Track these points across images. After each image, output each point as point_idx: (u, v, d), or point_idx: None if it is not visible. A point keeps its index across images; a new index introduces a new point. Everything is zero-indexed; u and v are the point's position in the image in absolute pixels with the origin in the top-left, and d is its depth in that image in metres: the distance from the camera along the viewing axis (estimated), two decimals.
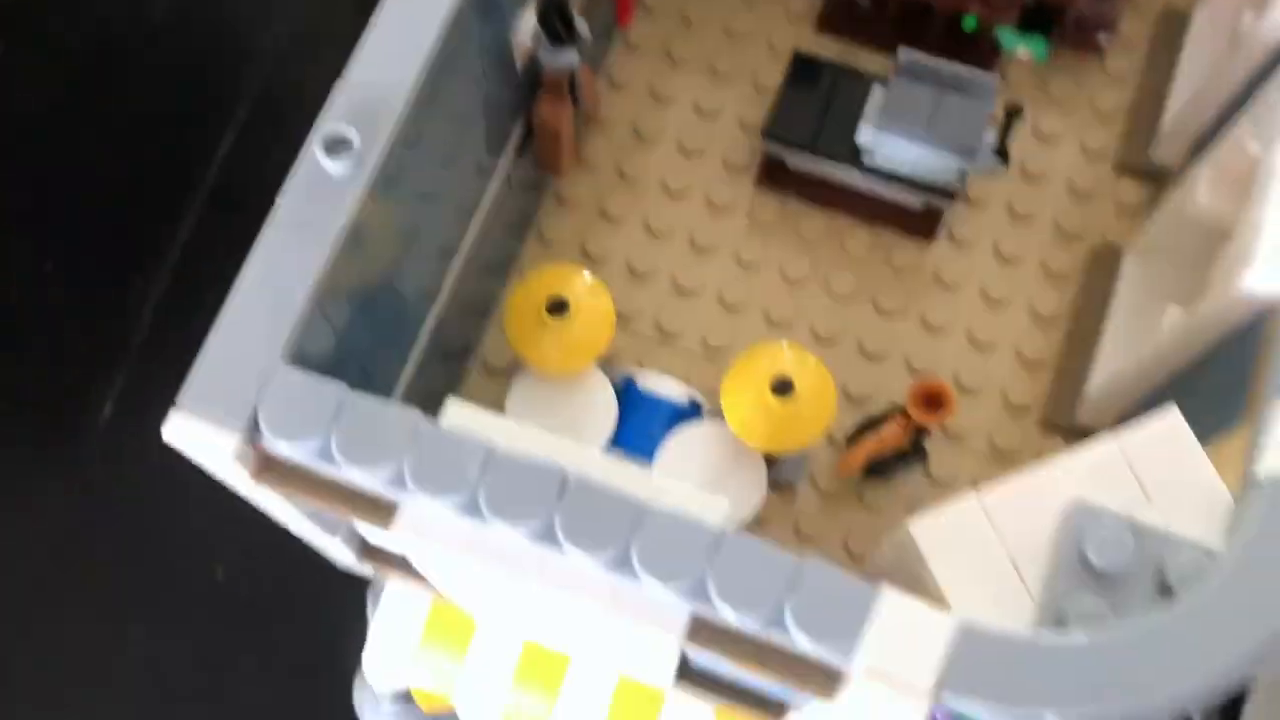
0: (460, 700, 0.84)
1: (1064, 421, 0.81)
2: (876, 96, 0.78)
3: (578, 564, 0.52)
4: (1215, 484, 0.55)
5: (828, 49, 0.92)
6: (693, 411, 0.77)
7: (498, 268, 0.85)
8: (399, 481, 0.53)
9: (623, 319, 0.85)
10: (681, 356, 0.84)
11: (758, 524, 0.80)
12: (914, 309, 0.85)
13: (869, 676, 0.49)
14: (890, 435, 0.73)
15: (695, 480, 0.72)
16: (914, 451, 0.77)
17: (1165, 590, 0.52)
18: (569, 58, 0.71)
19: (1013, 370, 0.84)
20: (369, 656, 0.86)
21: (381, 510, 0.55)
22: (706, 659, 0.67)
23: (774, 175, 0.88)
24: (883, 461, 0.76)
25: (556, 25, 0.69)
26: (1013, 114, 0.76)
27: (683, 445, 0.73)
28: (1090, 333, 0.83)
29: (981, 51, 0.90)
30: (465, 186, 0.74)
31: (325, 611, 1.18)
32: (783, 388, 0.71)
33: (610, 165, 0.89)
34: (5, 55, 1.31)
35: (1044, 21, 0.90)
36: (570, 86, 0.75)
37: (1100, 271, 0.85)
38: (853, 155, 0.81)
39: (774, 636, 0.52)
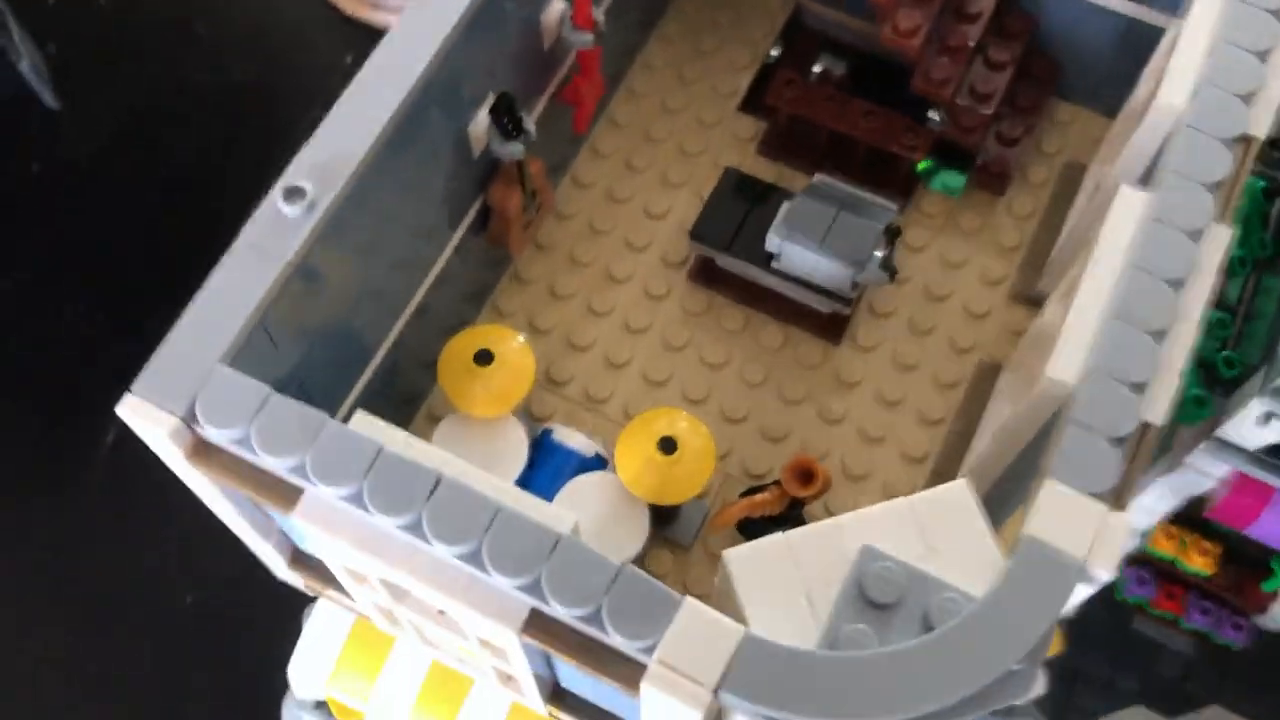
0: (370, 714, 0.93)
1: None
2: (784, 209, 0.90)
3: (440, 555, 0.63)
4: (990, 544, 0.64)
5: (766, 170, 1.04)
6: (597, 463, 0.87)
7: (453, 330, 0.96)
8: (301, 471, 0.63)
9: (557, 384, 0.96)
10: (604, 422, 0.95)
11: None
12: (814, 401, 0.96)
13: (662, 668, 0.59)
14: (762, 500, 0.83)
15: (584, 521, 0.82)
16: (792, 521, 0.87)
17: (928, 626, 0.60)
18: (514, 150, 0.83)
19: (896, 464, 0.94)
20: (295, 664, 0.95)
21: (287, 496, 0.65)
22: (572, 678, 0.77)
23: (705, 272, 0.99)
24: (755, 524, 0.86)
25: (505, 121, 0.81)
26: (894, 234, 0.87)
27: (579, 490, 0.84)
28: (967, 436, 0.93)
29: (902, 181, 1.01)
30: (416, 249, 0.86)
31: (279, 643, 1.28)
32: (668, 446, 0.81)
33: (565, 251, 1.01)
34: (63, 112, 1.46)
35: (964, 160, 1.02)
36: (520, 175, 0.87)
37: (983, 383, 0.95)
38: (764, 259, 0.93)
39: (592, 631, 0.61)
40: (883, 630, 0.61)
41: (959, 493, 0.65)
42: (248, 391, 0.64)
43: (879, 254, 0.88)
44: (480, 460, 0.83)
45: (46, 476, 1.36)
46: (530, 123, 0.84)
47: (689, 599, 0.60)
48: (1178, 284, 0.68)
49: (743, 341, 0.98)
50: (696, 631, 0.59)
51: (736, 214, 0.95)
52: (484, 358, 0.84)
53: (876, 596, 0.61)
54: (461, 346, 0.84)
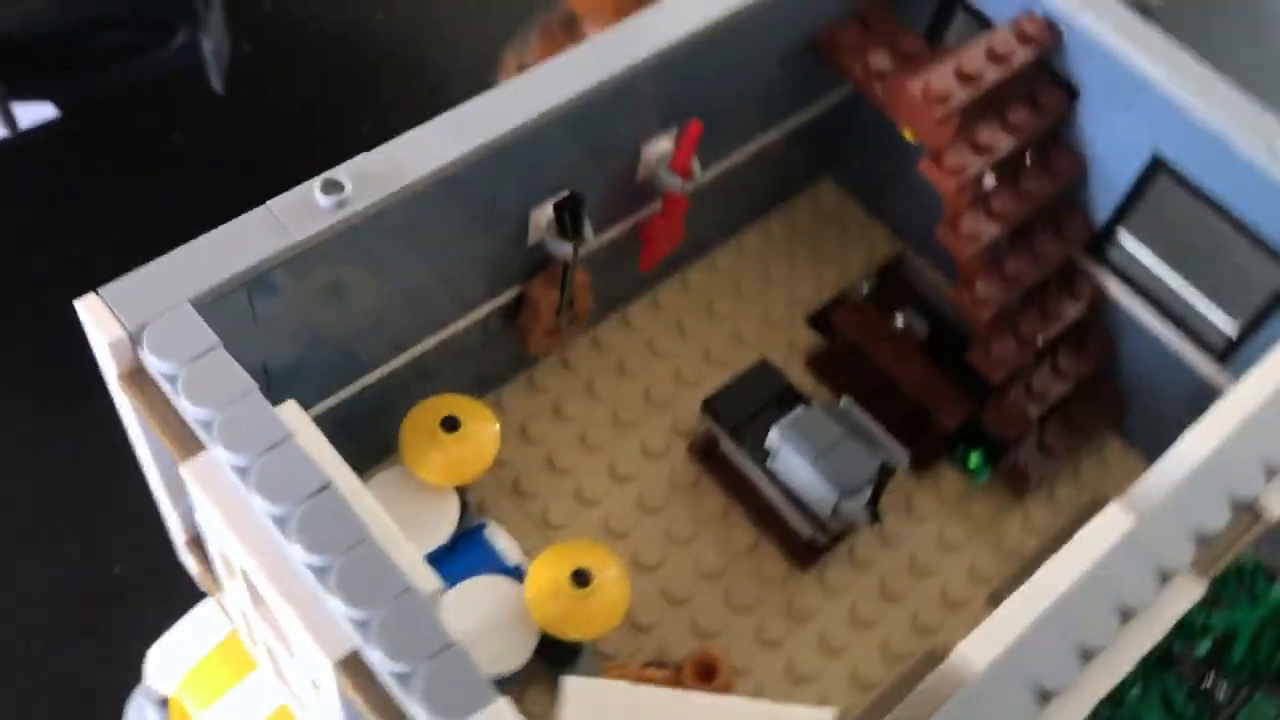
0: None
1: None
2: (796, 411, 0.89)
3: (294, 560, 0.61)
4: None
5: (805, 385, 1.03)
6: (514, 574, 0.84)
7: None
8: (209, 427, 0.63)
9: (521, 495, 0.95)
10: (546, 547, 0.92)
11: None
12: (757, 616, 0.92)
13: None
14: (652, 675, 0.79)
15: (471, 619, 0.79)
16: None
17: None
18: (565, 250, 0.84)
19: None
20: (155, 653, 0.92)
21: (188, 446, 0.65)
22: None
23: (705, 450, 0.97)
24: None
25: (566, 218, 0.83)
26: (887, 476, 0.85)
27: (480, 587, 0.81)
28: (891, 702, 0.87)
29: (931, 445, 0.99)
30: (440, 301, 0.86)
31: None
32: (582, 579, 0.79)
33: (586, 378, 1.01)
34: (223, 101, 1.53)
35: (994, 451, 0.99)
36: (563, 278, 0.88)
37: (930, 665, 0.90)
38: (761, 456, 0.91)
39: (400, 695, 0.58)
40: None
41: (822, 717, 0.61)
42: (197, 336, 0.65)
43: (868, 490, 0.85)
44: (402, 519, 0.82)
45: (41, 410, 1.38)
46: (589, 231, 0.85)
47: (503, 700, 0.57)
48: (1126, 614, 0.64)
49: (714, 530, 0.95)
50: None
51: (754, 403, 0.94)
52: (450, 424, 0.83)
53: None
54: (433, 406, 0.84)
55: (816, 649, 0.92)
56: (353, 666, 0.60)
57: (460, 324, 0.89)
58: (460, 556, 0.85)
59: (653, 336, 1.04)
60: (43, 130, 1.50)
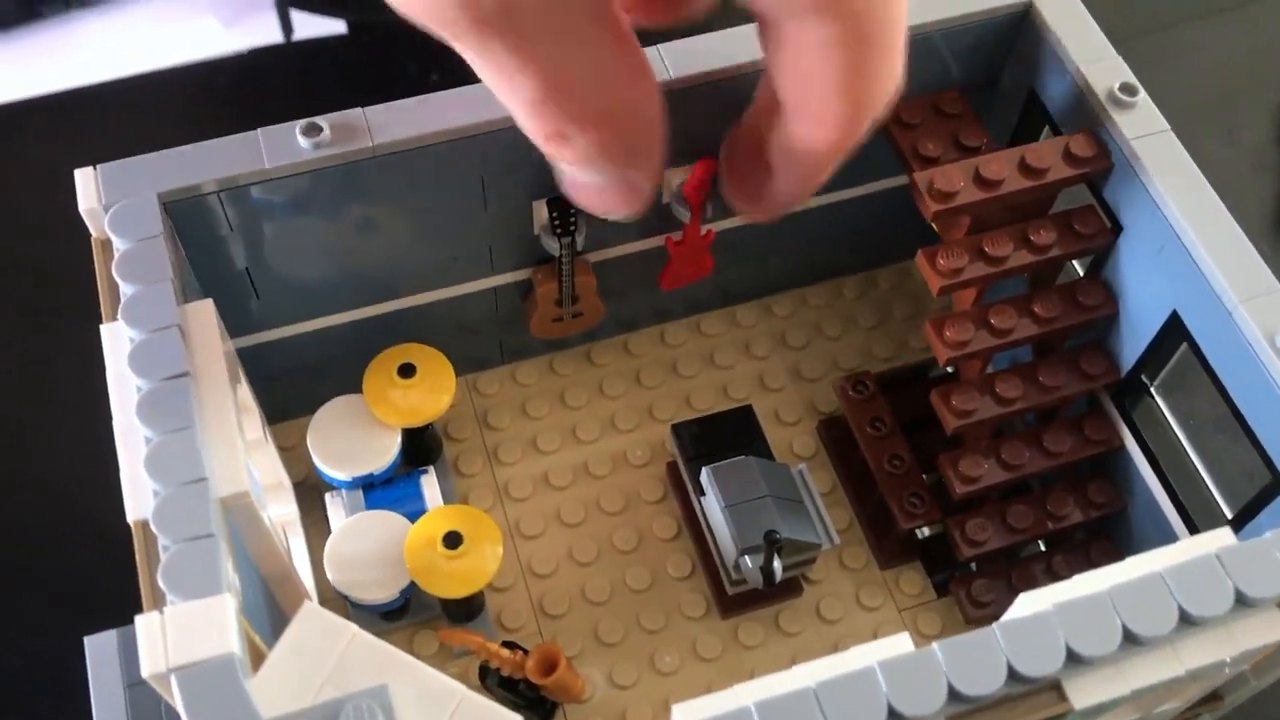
0: None
1: None
2: (735, 460, 0.89)
3: (138, 428, 0.70)
4: None
5: (807, 444, 1.03)
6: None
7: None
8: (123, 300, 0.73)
9: (495, 462, 1.01)
10: (489, 504, 0.98)
11: None
12: (657, 642, 0.94)
13: None
14: (496, 651, 0.83)
15: (361, 544, 0.86)
16: (520, 696, 0.86)
17: None
18: (552, 245, 0.89)
19: None
20: None
21: (112, 313, 0.75)
22: None
23: (677, 475, 0.99)
24: (497, 678, 0.85)
25: (554, 216, 0.87)
26: (773, 542, 0.84)
27: (378, 521, 0.88)
28: None
29: (895, 544, 0.97)
30: (425, 264, 0.92)
31: None
32: (452, 542, 0.84)
33: (600, 376, 1.05)
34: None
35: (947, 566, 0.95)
36: (559, 274, 0.92)
37: None
38: (699, 489, 0.92)
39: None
40: None
41: None
42: (147, 223, 0.75)
43: (759, 555, 0.85)
44: (343, 443, 0.91)
45: None
46: (580, 234, 0.89)
47: (228, 596, 0.63)
48: None
49: (655, 550, 0.98)
50: None
51: (720, 442, 0.95)
52: (407, 371, 0.90)
53: None
54: (399, 353, 0.91)
55: (700, 693, 0.92)
56: (143, 531, 0.69)
57: (461, 290, 0.96)
58: (392, 490, 0.92)
59: (679, 358, 1.07)
60: (315, 43, 1.67)
